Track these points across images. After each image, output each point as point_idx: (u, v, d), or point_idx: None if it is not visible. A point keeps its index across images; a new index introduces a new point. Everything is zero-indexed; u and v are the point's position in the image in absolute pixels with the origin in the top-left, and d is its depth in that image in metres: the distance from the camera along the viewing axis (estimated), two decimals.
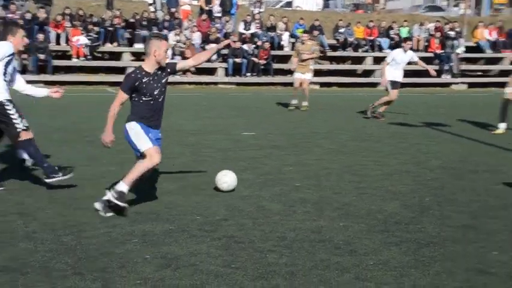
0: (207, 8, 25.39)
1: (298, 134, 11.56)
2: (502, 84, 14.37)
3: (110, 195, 5.70)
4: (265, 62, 23.66)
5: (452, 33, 26.92)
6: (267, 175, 7.81)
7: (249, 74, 23.43)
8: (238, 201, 6.43)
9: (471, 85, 25.96)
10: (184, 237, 5.21)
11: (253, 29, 24.94)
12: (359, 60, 26.54)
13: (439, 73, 26.06)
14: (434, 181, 7.68)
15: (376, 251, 4.93)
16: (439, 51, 26.21)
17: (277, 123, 13.18)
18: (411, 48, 14.44)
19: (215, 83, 23.28)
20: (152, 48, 5.75)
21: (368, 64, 26.29)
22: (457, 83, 26.15)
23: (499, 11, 39.99)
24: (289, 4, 36.41)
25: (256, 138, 10.84)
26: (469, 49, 27.44)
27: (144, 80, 5.75)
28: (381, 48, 26.48)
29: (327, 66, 26.07)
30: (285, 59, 25.35)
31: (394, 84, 13.95)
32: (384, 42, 26.51)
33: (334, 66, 26.40)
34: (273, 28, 25.33)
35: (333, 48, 26.16)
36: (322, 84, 24.08)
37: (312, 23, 25.82)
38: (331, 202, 6.50)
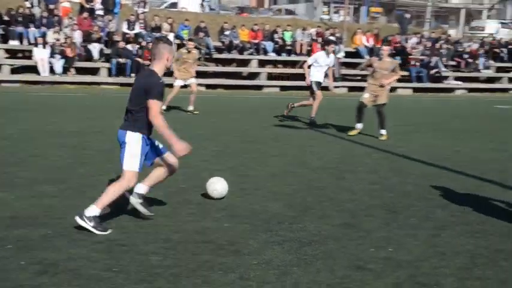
0: (88, 6, 24.68)
1: (182, 135, 11.44)
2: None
3: (82, 222, 5.23)
4: (149, 62, 23.22)
5: (332, 39, 27.84)
6: None
7: (133, 74, 22.99)
8: (121, 204, 6.27)
9: (351, 89, 26.99)
10: (63, 241, 5.01)
11: (137, 29, 24.55)
12: (244, 62, 26.86)
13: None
14: (316, 181, 7.89)
15: (259, 251, 4.98)
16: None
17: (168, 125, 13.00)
18: (333, 51, 14.71)
19: (98, 83, 22.67)
20: (165, 54, 5.55)
21: (253, 67, 26.66)
22: (338, 87, 27.08)
23: (376, 19, 41.92)
24: (174, 5, 36.14)
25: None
26: (348, 54, 28.53)
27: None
28: (265, 52, 26.95)
29: (212, 68, 26.13)
30: None
31: (319, 84, 14.28)
32: (269, 45, 27.00)
33: (220, 69, 26.52)
34: (157, 28, 25.04)
35: (219, 50, 26.31)
36: (208, 86, 24.14)
37: (197, 25, 25.81)
38: (216, 203, 6.51)
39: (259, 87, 25.46)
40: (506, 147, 11.64)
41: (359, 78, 29.07)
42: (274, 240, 5.30)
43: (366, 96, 12.36)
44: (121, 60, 22.68)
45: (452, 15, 49.97)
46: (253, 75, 26.51)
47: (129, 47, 23.22)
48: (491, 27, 40.80)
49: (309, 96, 14.60)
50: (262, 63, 27.16)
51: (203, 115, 15.03)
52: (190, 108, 15.42)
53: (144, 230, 5.43)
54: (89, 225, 5.23)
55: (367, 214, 6.31)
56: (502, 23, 42.51)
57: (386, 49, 12.74)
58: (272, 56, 27.14)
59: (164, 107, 14.98)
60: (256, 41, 26.90)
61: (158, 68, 5.58)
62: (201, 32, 25.11)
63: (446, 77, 29.51)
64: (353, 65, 29.25)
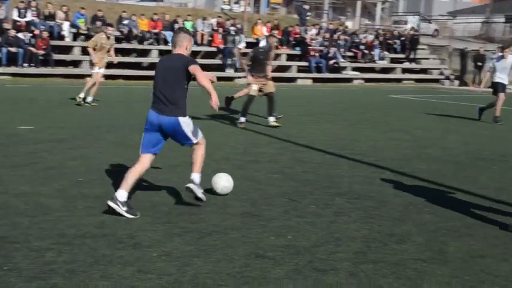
0: None
1: (81, 127, 11.16)
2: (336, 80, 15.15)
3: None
4: (44, 52, 22.45)
5: (233, 29, 27.93)
6: (48, 170, 7.42)
7: (26, 64, 22.07)
8: (13, 199, 6.01)
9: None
10: None
11: (30, 16, 23.53)
12: (144, 53, 26.40)
13: (223, 68, 26.98)
14: (218, 172, 7.86)
15: (159, 243, 4.92)
16: (222, 46, 27.07)
17: (58, 116, 12.59)
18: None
19: None
20: (184, 43, 5.97)
21: (153, 57, 26.26)
22: (240, 77, 27.21)
23: (276, 10, 42.44)
24: None
25: (35, 132, 10.25)
26: (249, 45, 28.69)
27: None
28: (166, 42, 26.62)
29: (111, 58, 25.48)
30: (67, 49, 24.39)
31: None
32: (169, 35, 26.66)
33: (119, 59, 25.83)
34: (51, 17, 24.15)
35: (117, 40, 25.66)
36: (108, 77, 23.50)
37: (94, 13, 25.08)
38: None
39: None
40: (400, 135, 12.13)
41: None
42: (175, 231, 5.25)
43: (254, 89, 12.47)
44: (12, 49, 21.68)
45: (349, 7, 51.38)
46: (154, 66, 26.04)
47: (20, 35, 22.24)
48: (412, 21, 44.53)
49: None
50: (163, 54, 26.80)
51: (103, 106, 14.66)
52: (90, 99, 14.88)
53: (38, 225, 5.22)
54: (199, 192, 6.06)
55: (268, 203, 6.38)
56: (421, 17, 45.27)
57: (272, 41, 13.53)
58: None
59: (90, 99, 14.68)
60: (156, 31, 26.52)
61: (183, 53, 6.00)
62: (98, 20, 24.40)
63: (344, 68, 30.35)
64: None
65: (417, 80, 31.97)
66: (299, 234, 5.32)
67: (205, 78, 5.78)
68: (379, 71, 32.09)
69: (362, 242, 5.16)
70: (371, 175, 8.03)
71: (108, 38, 14.86)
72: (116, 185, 6.79)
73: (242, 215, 5.87)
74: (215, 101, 5.86)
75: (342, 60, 30.23)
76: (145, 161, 5.93)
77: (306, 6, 34.03)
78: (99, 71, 14.84)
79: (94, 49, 14.59)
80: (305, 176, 7.82)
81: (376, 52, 31.70)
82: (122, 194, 5.64)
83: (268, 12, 41.61)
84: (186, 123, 5.91)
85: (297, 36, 29.81)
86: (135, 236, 5.06)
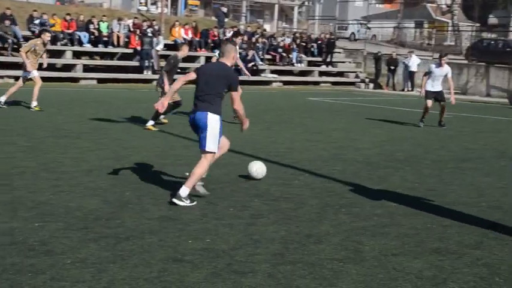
0: None
1: None
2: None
3: (180, 202, 6.24)
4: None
5: (150, 31, 27.60)
6: None
7: None
8: None
9: (173, 81, 26.97)
10: None
11: None
12: (58, 53, 25.64)
13: (141, 69, 26.61)
14: (135, 175, 7.75)
15: (74, 249, 4.78)
16: (139, 47, 26.69)
17: None
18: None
19: None
20: (231, 53, 6.61)
21: (68, 58, 25.60)
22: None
23: (194, 12, 42.27)
24: None
25: None
26: (167, 46, 28.45)
27: None
28: (80, 43, 26.00)
29: (42, 60, 24.63)
30: None
31: None
32: (84, 36, 26.08)
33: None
34: None
35: (28, 40, 24.82)
36: (18, 79, 22.69)
37: (2, 12, 24.13)
38: (26, 202, 6.13)
39: (75, 80, 24.52)
40: (317, 137, 12.34)
41: (178, 70, 29.19)
42: (90, 237, 5.11)
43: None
44: None
45: (267, 11, 51.88)
46: (68, 67, 25.43)
47: None
48: (353, 27, 47.55)
49: None
50: (77, 55, 26.17)
51: (15, 109, 14.14)
52: (34, 103, 14.45)
53: None
54: (186, 203, 6.24)
55: (186, 206, 6.32)
56: (361, 23, 47.77)
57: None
58: (88, 47, 26.26)
59: (3, 99, 14.35)
60: (70, 31, 25.83)
61: (228, 63, 6.59)
62: (7, 19, 23.52)
63: (263, 70, 30.60)
64: None
65: (334, 83, 32.67)
66: (217, 237, 5.30)
67: (240, 105, 6.58)
68: (297, 74, 32.58)
69: (280, 244, 5.20)
70: (289, 177, 8.12)
71: (45, 44, 14.48)
72: (25, 190, 6.57)
73: (160, 219, 5.79)
74: (246, 127, 6.77)
75: (261, 63, 30.48)
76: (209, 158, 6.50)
77: (224, 9, 34.09)
78: (36, 74, 14.51)
79: (26, 53, 14.20)
80: (223, 178, 7.82)
81: (294, 55, 32.16)
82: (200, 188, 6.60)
83: (186, 14, 41.39)
84: (213, 120, 6.34)
85: (215, 38, 29.82)
86: (48, 243, 4.89)
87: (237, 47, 14.18)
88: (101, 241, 5.03)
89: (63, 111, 14.46)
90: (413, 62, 30.78)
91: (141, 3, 40.59)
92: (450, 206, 6.81)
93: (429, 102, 14.59)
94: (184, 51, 12.86)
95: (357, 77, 34.09)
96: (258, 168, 7.68)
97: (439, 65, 14.56)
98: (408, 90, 30.63)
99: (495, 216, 6.45)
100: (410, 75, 30.98)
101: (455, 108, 14.13)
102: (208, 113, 6.33)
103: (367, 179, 8.17)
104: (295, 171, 8.56)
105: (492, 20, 53.67)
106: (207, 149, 6.37)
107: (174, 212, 6.06)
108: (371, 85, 32.92)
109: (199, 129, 6.42)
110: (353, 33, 47.04)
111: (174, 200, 6.28)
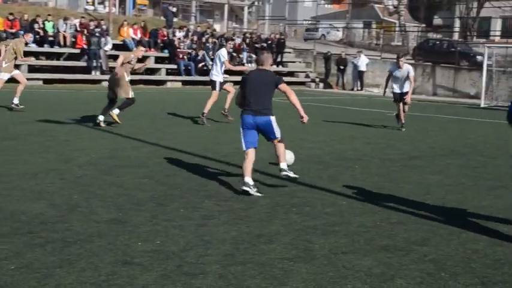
0: None
1: None
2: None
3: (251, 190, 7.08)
4: None
5: (98, 31, 27.19)
6: None
7: None
8: None
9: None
10: None
11: None
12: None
13: (89, 70, 26.18)
14: (83, 178, 7.62)
15: (18, 255, 4.65)
16: (86, 47, 26.25)
17: None
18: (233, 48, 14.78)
19: None
20: (269, 61, 7.79)
21: None
22: (107, 80, 26.56)
23: (143, 11, 41.83)
24: None
25: None
26: (116, 46, 28.09)
27: None
28: (25, 43, 25.38)
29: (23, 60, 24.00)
30: None
31: (221, 84, 14.34)
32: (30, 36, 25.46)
33: None
34: None
35: None
36: None
37: None
38: None
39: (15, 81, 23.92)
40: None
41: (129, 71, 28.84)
42: (36, 242, 4.99)
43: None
44: None
45: (216, 11, 51.77)
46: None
47: None
48: (324, 30, 49.14)
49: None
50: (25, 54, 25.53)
51: None
52: (16, 101, 14.53)
53: None
54: (253, 191, 7.05)
55: (136, 208, 6.25)
56: (331, 26, 49.47)
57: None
58: (33, 47, 25.66)
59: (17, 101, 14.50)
60: (13, 31, 25.19)
61: (268, 68, 7.69)
62: None
63: None
64: None
65: (285, 83, 32.79)
66: (168, 239, 5.25)
67: (294, 96, 7.62)
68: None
69: (231, 244, 5.19)
70: (235, 177, 8.08)
71: (27, 44, 14.61)
72: None
73: (108, 222, 5.70)
74: (305, 119, 7.64)
75: (211, 63, 30.33)
76: (251, 155, 7.34)
77: (173, 9, 33.85)
78: (6, 76, 14.63)
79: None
80: (173, 179, 7.76)
81: (244, 55, 32.18)
82: (249, 180, 7.10)
83: (134, 13, 40.93)
84: (275, 121, 7.46)
85: (164, 38, 29.59)
86: None
87: (227, 51, 14.58)
88: (47, 246, 4.91)
89: (5, 112, 14.11)
90: (362, 61, 31.22)
91: (87, 2, 39.89)
92: (398, 203, 6.93)
93: (400, 105, 14.47)
94: (138, 53, 13.31)
95: (307, 76, 34.36)
96: (289, 158, 8.32)
97: (398, 66, 14.30)
98: (358, 90, 31.06)
99: (441, 212, 6.59)
100: (359, 75, 31.42)
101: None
102: (270, 117, 7.44)
103: (318, 178, 8.23)
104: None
105: (437, 20, 54.90)
106: (279, 137, 7.44)
107: (124, 215, 5.97)
108: (321, 85, 33.24)
109: (262, 130, 7.45)
110: (323, 34, 47.52)
111: (283, 174, 7.46)
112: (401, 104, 14.41)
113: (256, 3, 54.77)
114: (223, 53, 14.33)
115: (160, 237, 5.30)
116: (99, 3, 40.76)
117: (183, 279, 4.32)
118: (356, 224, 5.98)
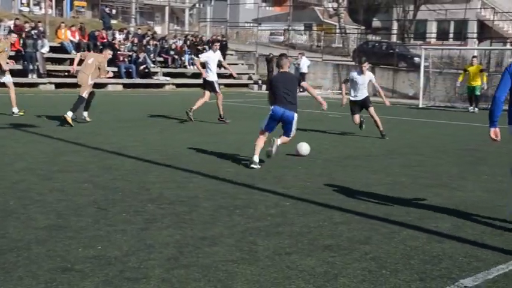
0: None
1: None
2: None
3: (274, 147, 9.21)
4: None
5: (34, 33, 26.53)
6: None
7: None
8: None
9: (58, 85, 26.08)
10: None
11: None
12: None
13: (25, 73, 25.52)
14: (20, 183, 7.41)
15: None
16: (22, 50, 25.57)
17: None
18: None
19: None
20: (288, 64, 9.48)
21: None
22: (45, 83, 25.98)
23: (81, 13, 41.05)
24: None
25: None
26: (53, 49, 27.49)
27: None
28: None
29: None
30: None
31: (213, 84, 14.86)
32: None
33: None
34: None
35: None
36: None
37: None
38: None
39: None
40: (212, 139, 12.33)
41: (66, 74, 28.31)
42: None
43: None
44: None
45: (157, 12, 51.33)
46: None
47: None
48: (288, 33, 48.82)
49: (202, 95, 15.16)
50: None
51: None
52: (15, 109, 14.42)
53: None
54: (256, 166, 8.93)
55: (77, 214, 6.11)
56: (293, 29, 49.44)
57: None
58: None
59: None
60: None
61: (287, 70, 9.50)
62: None
63: (155, 73, 30.26)
64: (59, 61, 28.31)
65: (228, 85, 32.80)
66: (109, 244, 5.15)
67: (312, 89, 10.22)
68: (191, 76, 32.45)
69: (175, 248, 5.13)
70: (182, 180, 8.03)
71: (12, 43, 14.24)
72: None
73: (47, 228, 5.55)
74: (325, 105, 9.71)
75: (152, 65, 30.14)
76: (264, 136, 9.24)
77: (109, 10, 33.32)
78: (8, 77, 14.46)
79: None
80: (115, 183, 7.63)
81: (186, 57, 32.03)
82: (256, 158, 9.03)
83: (72, 15, 40.13)
84: (296, 121, 9.21)
85: (104, 40, 29.13)
86: None
87: (215, 52, 14.91)
88: None
89: None
90: (304, 63, 31.52)
91: (22, 3, 38.82)
92: (341, 203, 7.01)
93: (356, 119, 13.70)
94: (106, 55, 14.03)
95: (250, 78, 34.45)
96: (305, 150, 10.33)
97: (361, 72, 13.45)
98: (300, 91, 31.27)
99: (383, 211, 6.70)
100: (301, 76, 31.69)
101: (345, 109, 14.51)
102: (295, 114, 9.16)
103: (262, 180, 8.25)
104: (189, 174, 8.49)
105: (376, 23, 56.00)
106: (292, 135, 9.36)
107: (64, 220, 5.83)
108: (264, 86, 33.38)
109: (284, 123, 9.23)
110: (288, 38, 47.73)
111: (254, 166, 8.95)
112: (370, 110, 13.52)
113: (197, 5, 54.62)
114: (207, 54, 15.39)
115: (101, 242, 5.20)
116: (34, 5, 39.72)
117: (125, 285, 4.25)
118: (300, 225, 6.01)
